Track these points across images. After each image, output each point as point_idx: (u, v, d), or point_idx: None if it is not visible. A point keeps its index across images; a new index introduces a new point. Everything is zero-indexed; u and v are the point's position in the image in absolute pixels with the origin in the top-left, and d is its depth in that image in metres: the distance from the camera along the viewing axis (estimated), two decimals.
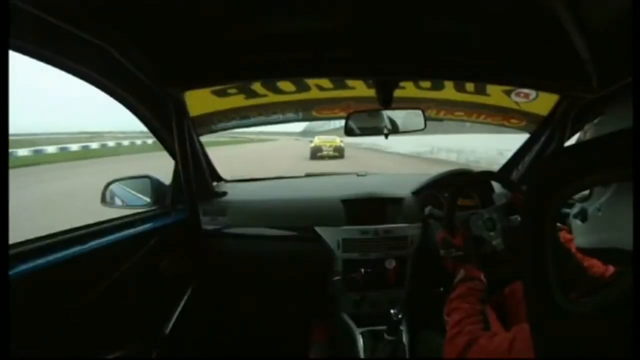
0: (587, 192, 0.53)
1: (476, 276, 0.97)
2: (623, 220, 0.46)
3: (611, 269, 0.77)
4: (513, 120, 1.67)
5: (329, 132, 25.18)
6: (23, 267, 0.75)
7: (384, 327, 1.20)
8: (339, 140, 16.85)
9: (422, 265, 1.35)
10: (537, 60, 0.95)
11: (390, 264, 1.32)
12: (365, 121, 1.28)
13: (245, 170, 9.37)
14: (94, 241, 0.94)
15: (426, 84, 1.53)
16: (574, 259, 0.81)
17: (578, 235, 0.55)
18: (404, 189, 1.49)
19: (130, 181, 1.35)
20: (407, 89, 1.53)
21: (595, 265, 0.81)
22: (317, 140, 17.20)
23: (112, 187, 1.31)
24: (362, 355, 1.21)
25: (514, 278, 1.17)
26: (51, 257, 0.81)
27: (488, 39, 0.88)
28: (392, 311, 1.14)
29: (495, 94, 1.56)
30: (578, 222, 0.54)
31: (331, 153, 16.13)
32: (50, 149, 20.93)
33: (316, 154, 16.06)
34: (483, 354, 0.71)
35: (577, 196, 0.53)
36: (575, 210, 0.55)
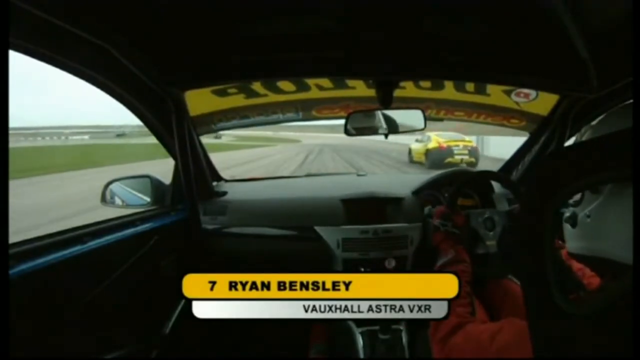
0: (578, 196, 0.52)
1: (465, 259, 0.99)
2: (610, 230, 0.45)
3: None
4: (513, 120, 1.67)
5: None
6: (23, 267, 0.75)
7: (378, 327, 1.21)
8: (468, 138, 11.08)
9: (422, 265, 1.35)
10: (537, 60, 0.95)
11: (390, 263, 1.32)
12: (364, 121, 1.28)
13: None
14: (93, 241, 0.94)
15: (426, 84, 1.52)
16: (573, 274, 0.82)
17: (568, 240, 0.55)
18: (404, 189, 1.49)
19: (130, 181, 1.35)
20: (407, 89, 1.53)
21: (594, 283, 0.81)
22: (438, 139, 10.74)
23: (112, 186, 1.31)
24: (361, 355, 1.21)
25: (498, 276, 1.18)
26: (51, 257, 0.81)
27: (488, 39, 0.88)
28: None
29: (495, 94, 1.56)
30: (569, 226, 0.54)
31: (466, 158, 10.33)
32: None
33: (442, 160, 9.97)
34: (467, 340, 0.72)
35: (570, 200, 0.53)
36: (567, 214, 0.54)
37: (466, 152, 10.40)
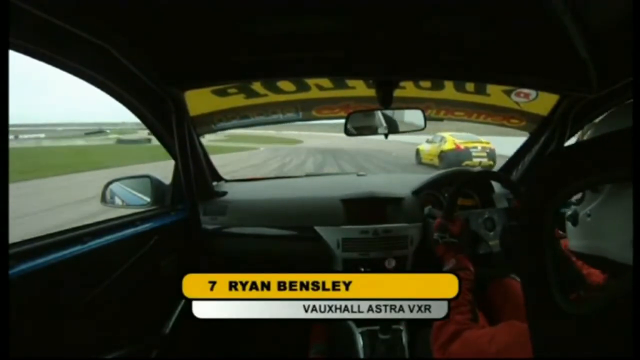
0: (580, 194, 0.53)
1: (467, 266, 0.99)
2: (609, 229, 0.46)
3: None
4: (513, 120, 1.68)
5: None
6: (23, 267, 0.75)
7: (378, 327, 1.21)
8: (485, 139, 9.99)
9: (422, 265, 1.35)
10: (537, 60, 0.95)
11: (390, 263, 1.32)
12: (364, 121, 1.28)
13: None
14: (93, 241, 0.94)
15: (426, 84, 1.53)
16: (573, 266, 0.81)
17: (570, 238, 0.56)
18: (404, 189, 1.49)
19: (130, 181, 1.36)
20: (407, 89, 1.53)
21: (594, 274, 0.82)
22: (454, 140, 9.80)
23: (112, 186, 1.31)
24: (361, 355, 1.21)
25: (501, 276, 1.18)
26: (51, 257, 0.81)
27: (488, 39, 0.88)
28: None
29: (495, 94, 1.56)
30: (570, 224, 0.54)
31: (485, 161, 9.32)
32: None
33: (460, 162, 8.72)
34: (465, 347, 0.73)
35: (572, 198, 0.53)
36: (568, 212, 0.55)
37: (484, 154, 9.43)
